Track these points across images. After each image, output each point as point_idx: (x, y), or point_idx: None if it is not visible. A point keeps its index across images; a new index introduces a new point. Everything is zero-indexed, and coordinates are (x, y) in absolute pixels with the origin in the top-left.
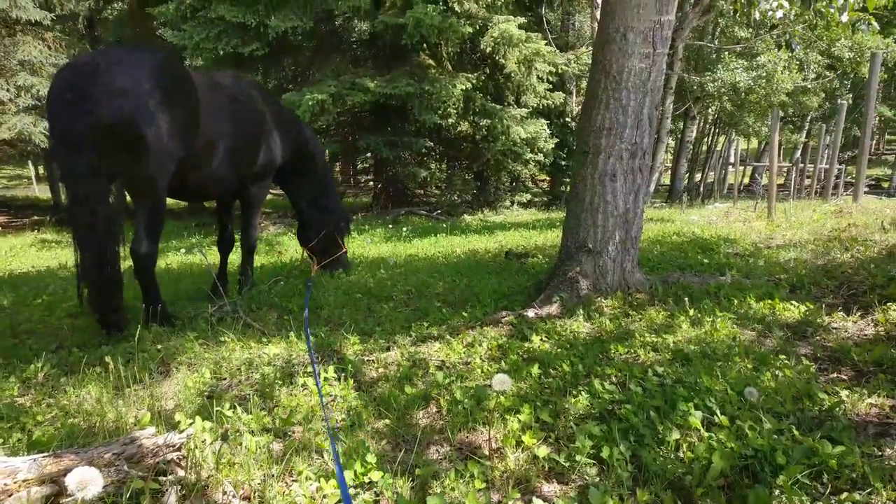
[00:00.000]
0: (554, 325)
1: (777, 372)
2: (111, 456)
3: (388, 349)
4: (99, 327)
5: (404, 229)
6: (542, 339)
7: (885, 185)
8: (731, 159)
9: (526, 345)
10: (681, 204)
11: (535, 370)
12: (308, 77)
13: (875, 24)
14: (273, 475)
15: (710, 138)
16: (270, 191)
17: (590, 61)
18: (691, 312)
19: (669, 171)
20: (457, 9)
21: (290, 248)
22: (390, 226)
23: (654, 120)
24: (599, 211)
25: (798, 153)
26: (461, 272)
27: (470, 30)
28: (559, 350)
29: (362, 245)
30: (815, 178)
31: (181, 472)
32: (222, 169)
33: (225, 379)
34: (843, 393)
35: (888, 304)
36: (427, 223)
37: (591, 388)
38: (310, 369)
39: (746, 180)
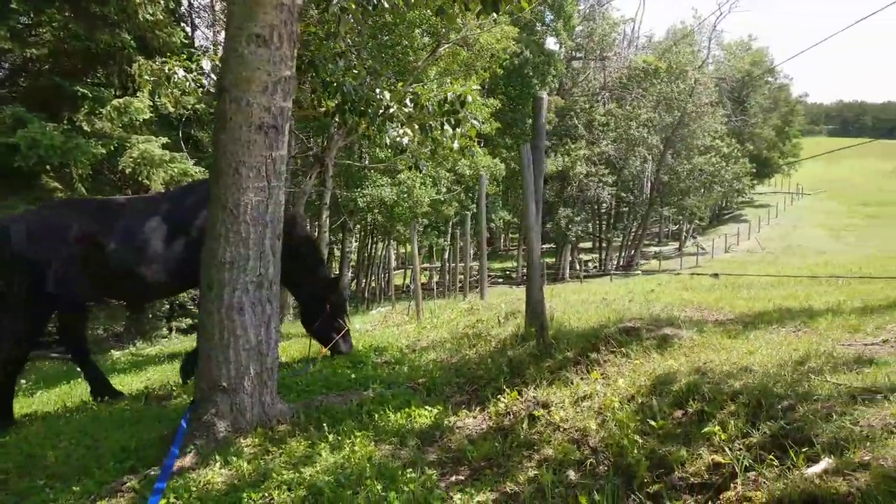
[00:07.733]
0: (186, 482)
1: (404, 488)
2: None
3: None
4: None
5: (25, 381)
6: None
7: (514, 275)
8: (393, 263)
9: None
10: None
11: None
12: None
13: (479, 149)
14: None
15: (371, 247)
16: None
17: None
18: (331, 438)
19: None
20: (86, 128)
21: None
22: None
23: (277, 251)
24: (230, 346)
25: (446, 254)
26: (85, 430)
27: (104, 150)
28: None
29: None
30: (465, 275)
31: None
32: (157, 277)
33: None
34: (457, 497)
35: (499, 396)
36: (62, 367)
37: None
38: None
39: (409, 281)
